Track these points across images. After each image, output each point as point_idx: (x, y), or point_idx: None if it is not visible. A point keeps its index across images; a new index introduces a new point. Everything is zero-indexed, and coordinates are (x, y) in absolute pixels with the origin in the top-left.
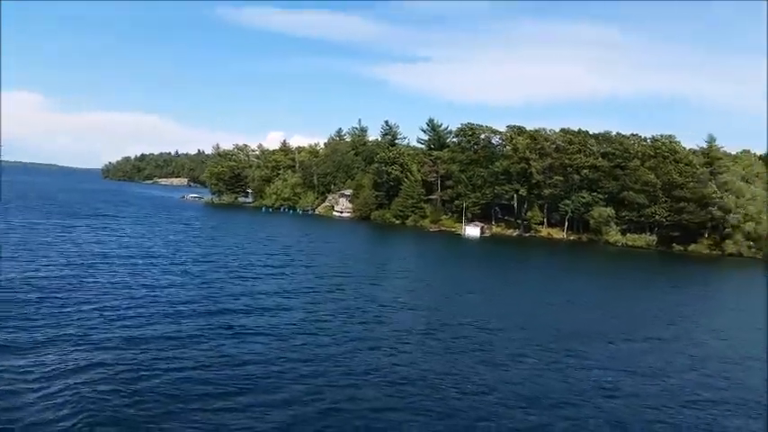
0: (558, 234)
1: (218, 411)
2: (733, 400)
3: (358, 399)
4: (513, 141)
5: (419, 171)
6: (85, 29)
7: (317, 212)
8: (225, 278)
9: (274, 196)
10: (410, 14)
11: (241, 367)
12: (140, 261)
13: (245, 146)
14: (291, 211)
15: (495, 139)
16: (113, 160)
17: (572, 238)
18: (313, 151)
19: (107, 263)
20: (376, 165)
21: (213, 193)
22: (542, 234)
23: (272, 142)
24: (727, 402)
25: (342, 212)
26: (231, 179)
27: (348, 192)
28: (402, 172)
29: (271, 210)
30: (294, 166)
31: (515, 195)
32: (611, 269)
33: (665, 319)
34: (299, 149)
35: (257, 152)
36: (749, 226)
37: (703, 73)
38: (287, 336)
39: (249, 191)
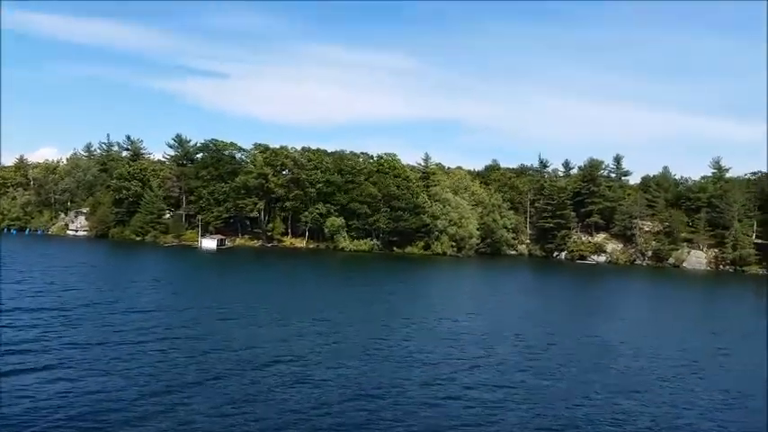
0: (301, 243)
1: None
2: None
3: None
4: (254, 158)
5: (161, 186)
6: None
7: (50, 232)
8: None
9: (0, 216)
10: (207, 28)
11: None
12: None
13: None
14: (15, 232)
15: (240, 156)
16: None
17: (312, 246)
18: (50, 167)
19: None
20: (115, 180)
21: None
22: (286, 244)
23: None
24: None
25: (77, 231)
26: None
27: (86, 209)
28: (142, 187)
29: None
30: (29, 184)
31: (259, 208)
32: (321, 270)
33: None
34: (34, 165)
35: None
36: (452, 230)
37: (480, 98)
38: None
39: None
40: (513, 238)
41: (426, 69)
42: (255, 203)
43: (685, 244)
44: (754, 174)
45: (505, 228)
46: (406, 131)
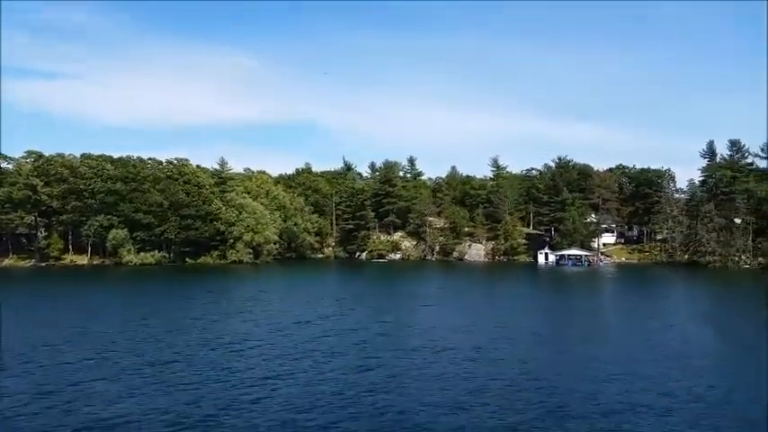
0: (83, 260)
1: None
2: None
3: None
4: (19, 167)
5: None
6: None
7: None
8: None
9: None
10: (46, 24)
11: None
12: None
13: None
14: None
15: (7, 166)
16: None
17: (96, 262)
18: None
19: None
20: None
21: None
22: (65, 261)
23: None
24: None
25: None
26: None
27: None
28: None
29: None
30: None
31: (27, 223)
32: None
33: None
34: None
35: None
36: (249, 236)
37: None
38: None
39: None
40: (318, 242)
41: (270, 70)
42: (23, 218)
43: (468, 238)
44: (528, 171)
45: (308, 231)
46: (244, 135)
